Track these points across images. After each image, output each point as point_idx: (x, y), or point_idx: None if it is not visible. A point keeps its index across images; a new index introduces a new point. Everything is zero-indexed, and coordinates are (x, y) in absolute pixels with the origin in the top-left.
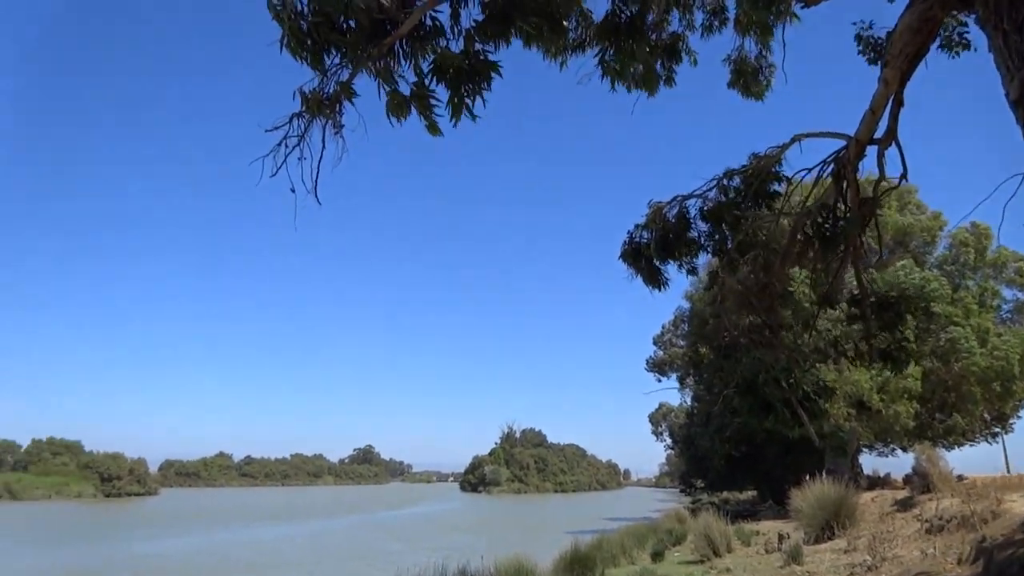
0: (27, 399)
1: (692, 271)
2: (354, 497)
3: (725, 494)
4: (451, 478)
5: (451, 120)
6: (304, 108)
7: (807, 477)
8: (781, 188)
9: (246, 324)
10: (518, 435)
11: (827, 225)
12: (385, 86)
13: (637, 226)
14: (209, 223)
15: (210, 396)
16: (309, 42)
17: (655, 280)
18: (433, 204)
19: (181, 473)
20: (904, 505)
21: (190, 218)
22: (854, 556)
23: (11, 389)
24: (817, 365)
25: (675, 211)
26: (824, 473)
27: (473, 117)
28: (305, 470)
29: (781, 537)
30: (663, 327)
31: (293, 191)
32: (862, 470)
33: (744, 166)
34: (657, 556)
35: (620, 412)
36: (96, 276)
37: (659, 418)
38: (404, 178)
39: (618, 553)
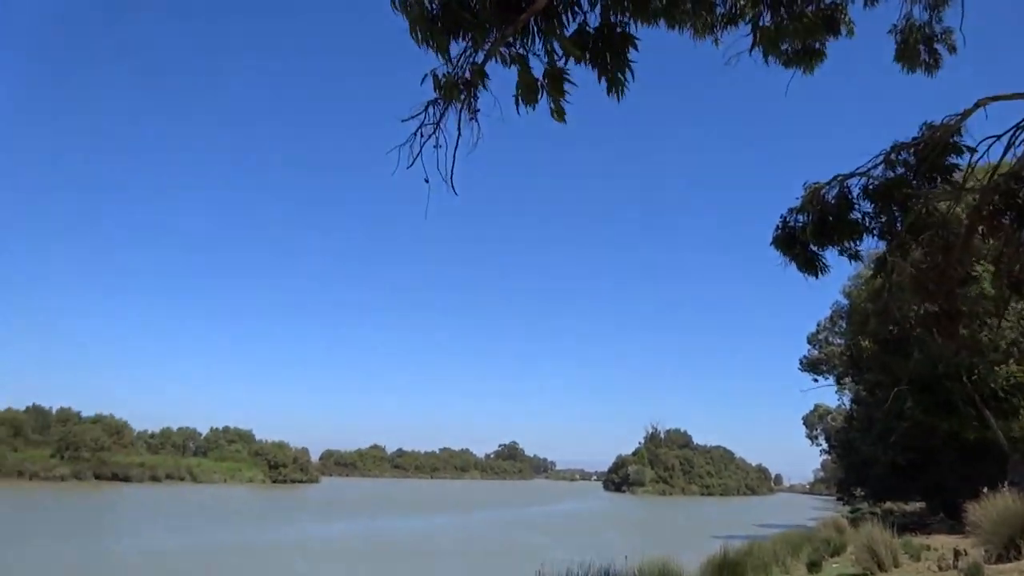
0: (205, 391)
1: (854, 256)
2: (500, 492)
3: (888, 504)
4: (594, 477)
5: (611, 93)
6: (439, 94)
7: (986, 488)
8: (961, 161)
9: (396, 323)
10: (662, 435)
11: (1020, 199)
12: (515, 66)
13: (791, 209)
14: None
15: (364, 390)
16: (438, 25)
17: (811, 266)
18: (574, 188)
19: (339, 463)
20: None
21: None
22: None
23: (191, 382)
24: (1009, 360)
25: (835, 192)
26: (1007, 484)
27: (621, 93)
28: (452, 464)
29: (957, 554)
30: (818, 324)
31: (427, 181)
32: None
33: (915, 138)
34: (813, 567)
35: (772, 414)
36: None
37: (814, 420)
38: (538, 162)
39: (770, 561)
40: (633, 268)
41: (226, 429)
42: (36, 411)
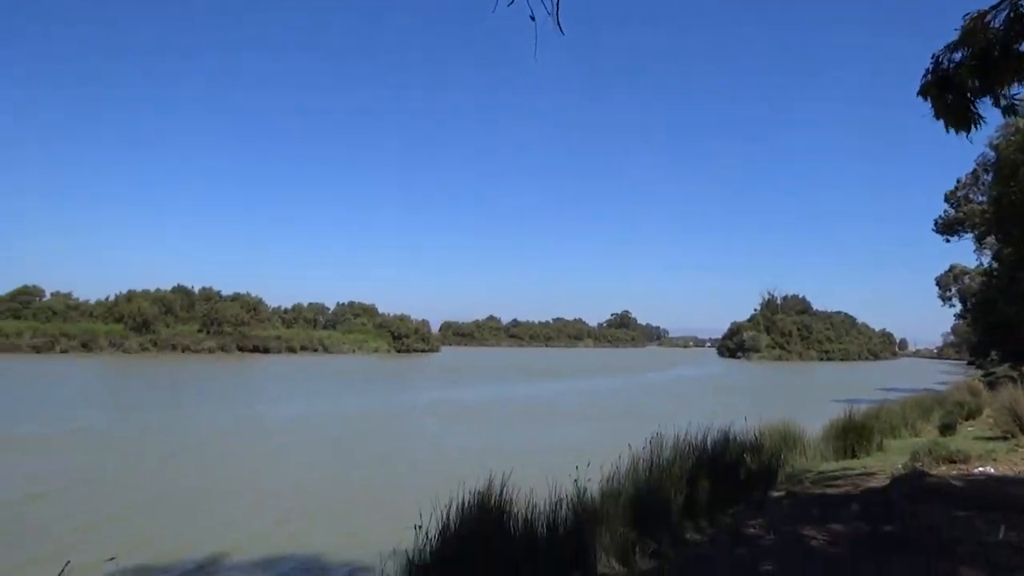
0: (333, 269)
1: (1010, 110)
2: (614, 359)
3: None
4: (708, 344)
5: None
6: None
7: None
8: None
9: (506, 194)
10: (779, 302)
11: None
12: None
13: (946, 47)
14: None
15: (480, 263)
16: None
17: (963, 119)
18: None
19: (457, 333)
20: None
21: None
22: None
23: (323, 260)
24: None
25: (1003, 16)
26: None
27: None
28: (566, 333)
29: None
30: (958, 181)
31: (533, 18)
32: None
33: None
34: (947, 429)
35: (899, 278)
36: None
37: (948, 281)
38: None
39: (898, 424)
40: (750, 122)
41: (351, 304)
42: (181, 291)
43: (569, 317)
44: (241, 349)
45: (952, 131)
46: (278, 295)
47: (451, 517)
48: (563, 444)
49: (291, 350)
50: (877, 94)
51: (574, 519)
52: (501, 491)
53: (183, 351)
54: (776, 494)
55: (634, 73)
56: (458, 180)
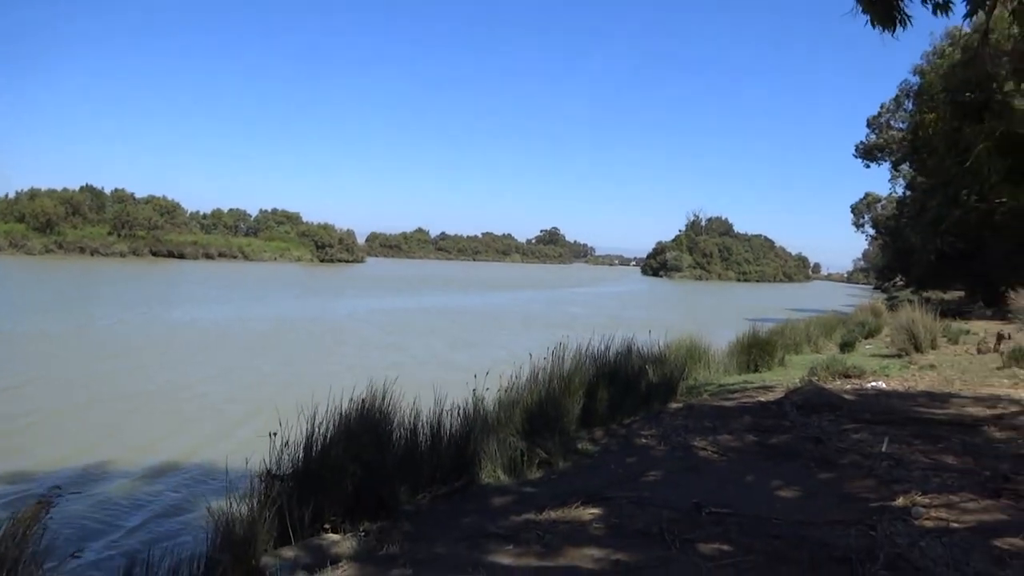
0: (254, 176)
1: (942, 8)
2: (540, 275)
3: (927, 293)
4: (633, 262)
5: None
6: None
7: None
8: None
9: (442, 105)
10: (703, 223)
11: None
12: None
13: None
14: None
15: (409, 176)
16: None
17: (889, 16)
18: None
19: (384, 245)
20: None
21: None
22: None
23: (242, 167)
24: None
25: None
26: None
27: None
28: (494, 248)
29: (1000, 337)
30: (881, 107)
31: None
32: None
33: None
34: (846, 347)
35: (815, 205)
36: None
37: (863, 208)
38: None
39: (802, 341)
40: (686, 47)
41: (274, 211)
42: (90, 191)
43: (499, 232)
44: (155, 254)
45: (880, 30)
46: (199, 202)
47: (321, 426)
48: (472, 356)
49: (208, 256)
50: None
51: (462, 429)
52: (383, 399)
53: (92, 254)
54: (675, 406)
55: None
56: (393, 90)
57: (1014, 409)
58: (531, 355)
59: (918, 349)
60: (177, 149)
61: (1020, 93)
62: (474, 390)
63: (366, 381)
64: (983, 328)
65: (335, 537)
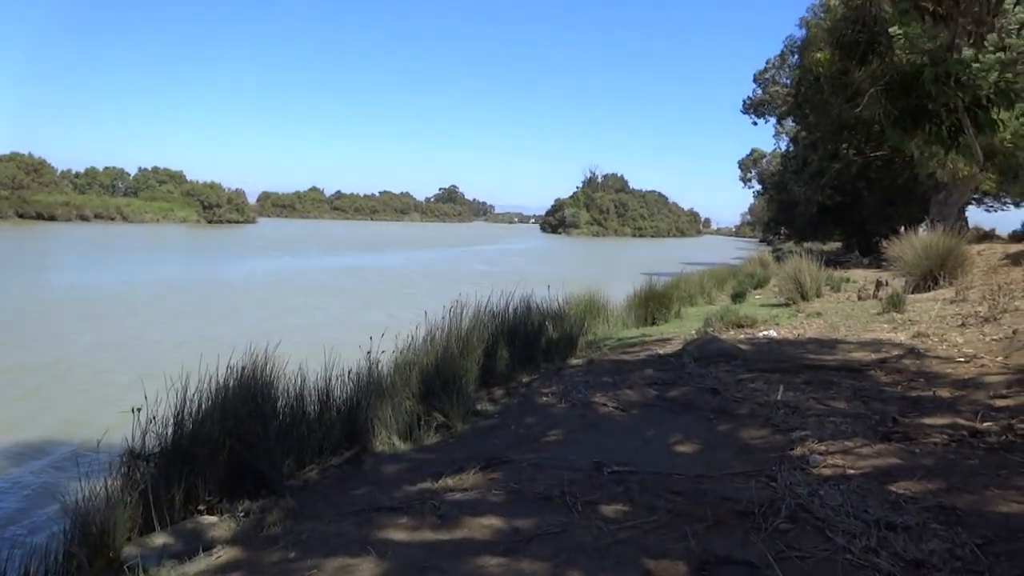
0: (135, 130)
1: None
2: (439, 233)
3: (809, 244)
4: (532, 220)
5: None
6: None
7: (907, 227)
8: None
9: (336, 60)
10: (600, 180)
11: None
12: None
13: None
14: None
15: (305, 133)
16: None
17: None
18: None
19: (277, 204)
20: (1017, 260)
21: None
22: (964, 307)
23: (121, 119)
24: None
25: None
26: (928, 222)
27: None
28: (393, 207)
29: (879, 284)
30: (767, 62)
31: None
32: (967, 223)
33: None
34: (738, 298)
35: (706, 161)
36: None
37: (749, 164)
38: None
39: (696, 293)
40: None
41: (155, 169)
42: None
43: (397, 191)
44: (21, 216)
45: None
46: (71, 161)
47: (194, 398)
48: (370, 317)
49: (83, 218)
50: None
51: (353, 395)
52: (266, 366)
53: None
54: (575, 362)
55: None
56: (288, 43)
57: (896, 352)
58: (426, 314)
59: (804, 298)
60: (46, 103)
61: (906, 34)
62: (368, 352)
63: (255, 346)
64: (862, 276)
65: (211, 519)
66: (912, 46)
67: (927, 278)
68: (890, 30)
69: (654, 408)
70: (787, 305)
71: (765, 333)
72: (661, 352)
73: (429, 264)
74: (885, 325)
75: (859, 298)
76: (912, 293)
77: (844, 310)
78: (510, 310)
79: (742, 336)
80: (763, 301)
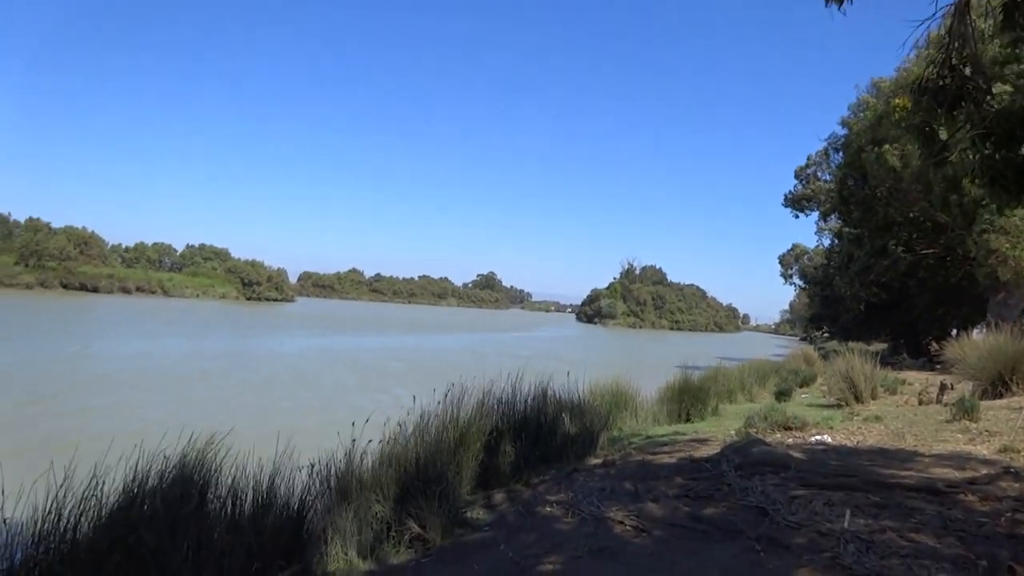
0: (183, 209)
1: None
2: (478, 319)
3: (852, 344)
4: (569, 309)
5: None
6: None
7: (960, 328)
8: None
9: (383, 151)
10: (638, 271)
11: None
12: None
13: None
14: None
15: (349, 218)
16: None
17: None
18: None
19: (317, 285)
20: None
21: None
22: None
23: (171, 198)
24: None
25: None
26: (985, 324)
27: None
28: (430, 291)
29: (943, 387)
30: (808, 158)
31: None
32: None
33: None
34: (782, 396)
35: (745, 256)
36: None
37: (791, 260)
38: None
39: (736, 389)
40: (629, 98)
41: (202, 246)
42: None
43: (435, 275)
44: (65, 286)
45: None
46: (127, 235)
47: (88, 501)
48: (360, 400)
49: (125, 291)
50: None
51: (304, 495)
52: (201, 458)
53: None
54: (594, 461)
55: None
56: (330, 134)
57: (985, 471)
58: (415, 399)
59: (858, 399)
60: (103, 181)
61: (1003, 75)
62: (353, 441)
63: (201, 432)
64: (915, 378)
65: None
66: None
67: (996, 384)
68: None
69: (684, 531)
70: (839, 407)
71: (818, 438)
72: (696, 455)
73: (455, 348)
74: (959, 435)
75: (920, 402)
76: (981, 400)
77: (906, 415)
78: (520, 399)
79: (791, 440)
80: (811, 401)
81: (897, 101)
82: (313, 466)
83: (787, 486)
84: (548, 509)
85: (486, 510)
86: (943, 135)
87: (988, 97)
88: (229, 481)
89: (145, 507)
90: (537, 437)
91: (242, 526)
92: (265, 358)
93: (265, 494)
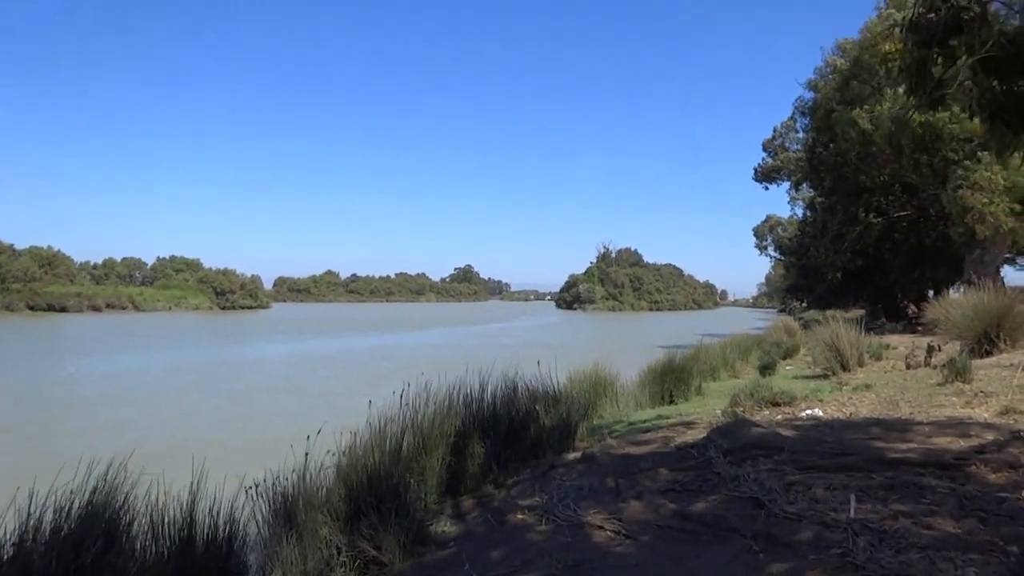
0: (152, 222)
1: None
2: (457, 312)
3: (831, 311)
4: (548, 297)
5: None
6: None
7: (938, 289)
8: None
9: (349, 145)
10: (614, 255)
11: None
12: None
13: None
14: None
15: (319, 218)
16: None
17: None
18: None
19: (293, 289)
20: None
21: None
22: None
23: (138, 212)
24: None
25: None
26: (963, 283)
27: None
28: (408, 288)
29: (930, 349)
30: (775, 129)
31: None
32: (1004, 283)
33: None
34: (766, 370)
35: (720, 233)
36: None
37: (764, 231)
38: None
39: (718, 366)
40: (592, 81)
41: (172, 258)
42: None
43: (412, 272)
44: (33, 308)
45: None
46: (96, 252)
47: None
48: (331, 408)
49: (95, 309)
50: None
51: (229, 520)
52: (113, 491)
53: None
54: (572, 456)
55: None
56: (304, 133)
57: (991, 437)
58: (371, 403)
59: (845, 368)
60: (66, 195)
61: None
62: (306, 454)
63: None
64: (900, 342)
65: None
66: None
67: (982, 342)
68: None
69: (671, 532)
70: (826, 377)
71: (808, 412)
72: (681, 441)
73: (429, 344)
74: (955, 399)
75: (907, 366)
76: (971, 359)
77: (896, 381)
78: (490, 393)
79: (780, 417)
80: (796, 372)
81: (888, 46)
82: (257, 487)
83: (782, 471)
84: (520, 516)
85: (454, 521)
86: (937, 74)
87: (985, 22)
88: (148, 516)
89: (35, 558)
90: (508, 434)
91: (163, 559)
92: (241, 365)
93: (188, 526)
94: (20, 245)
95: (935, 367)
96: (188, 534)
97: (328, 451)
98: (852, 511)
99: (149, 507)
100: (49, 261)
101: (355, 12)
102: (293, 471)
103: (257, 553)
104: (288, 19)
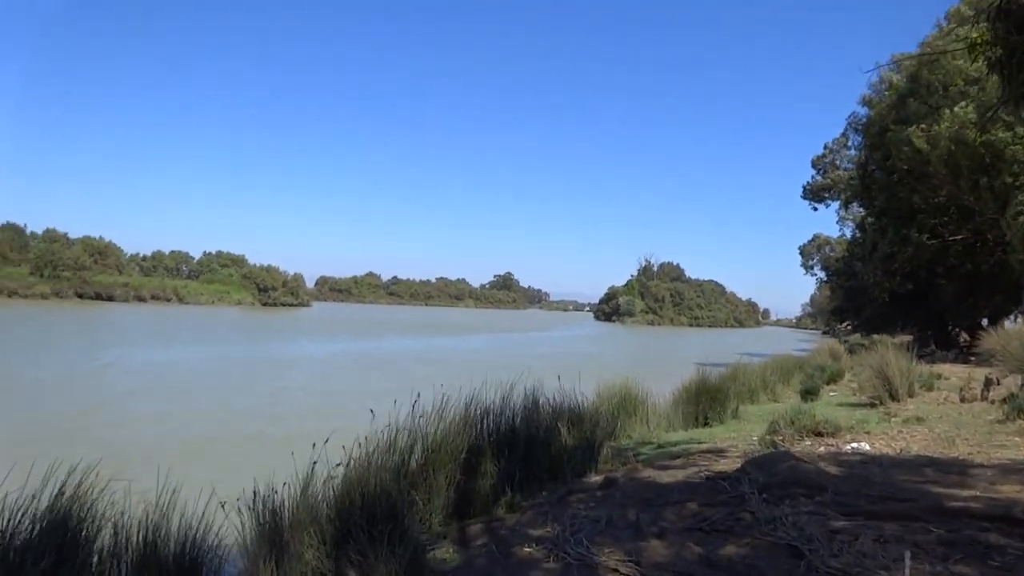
0: (198, 216)
1: None
2: (496, 319)
3: (877, 336)
4: (587, 308)
5: None
6: None
7: (993, 318)
8: None
9: (399, 155)
10: (655, 268)
11: None
12: None
13: None
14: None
15: (363, 220)
16: None
17: None
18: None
19: (334, 289)
20: None
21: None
22: None
23: (186, 205)
24: None
25: None
26: (1020, 315)
27: None
28: (448, 292)
29: (988, 382)
30: (825, 146)
31: None
32: None
33: None
34: (809, 395)
35: (764, 251)
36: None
37: (812, 250)
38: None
39: (757, 388)
40: (638, 95)
41: (219, 253)
42: (11, 229)
43: (452, 277)
44: (81, 296)
45: None
46: (148, 244)
47: None
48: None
49: (140, 299)
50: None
51: (198, 541)
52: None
53: (9, 296)
54: (594, 479)
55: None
56: (353, 135)
57: None
58: (373, 414)
59: (894, 397)
60: (121, 191)
61: None
62: (312, 468)
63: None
64: (951, 372)
65: None
66: None
67: None
68: None
69: None
70: (873, 406)
71: (854, 446)
72: (712, 470)
73: (472, 348)
74: (1017, 439)
75: (962, 399)
76: None
77: (950, 415)
78: (510, 408)
79: (822, 449)
80: (840, 399)
81: (976, 34)
82: (233, 505)
83: (825, 514)
84: (527, 550)
85: (458, 547)
86: None
87: None
88: (111, 538)
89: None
90: (527, 451)
91: None
92: (279, 364)
93: (151, 540)
94: (74, 234)
95: (993, 402)
96: (152, 548)
97: (336, 463)
98: (907, 571)
99: (113, 529)
100: (100, 251)
101: (405, 20)
102: (284, 483)
103: None
104: (344, 23)
